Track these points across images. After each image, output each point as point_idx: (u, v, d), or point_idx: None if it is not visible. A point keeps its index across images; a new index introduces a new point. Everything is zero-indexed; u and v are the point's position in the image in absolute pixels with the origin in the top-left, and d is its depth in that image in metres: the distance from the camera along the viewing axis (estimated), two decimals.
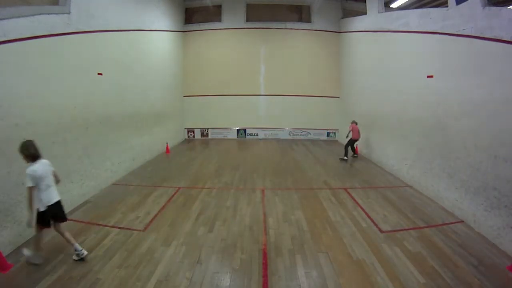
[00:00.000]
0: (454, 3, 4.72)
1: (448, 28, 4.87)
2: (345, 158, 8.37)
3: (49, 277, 2.90)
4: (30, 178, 2.85)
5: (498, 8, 3.98)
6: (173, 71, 10.66)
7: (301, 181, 6.29)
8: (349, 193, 5.48)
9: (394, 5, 8.50)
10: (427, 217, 4.43)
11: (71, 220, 4.23)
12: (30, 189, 2.87)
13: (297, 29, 11.70)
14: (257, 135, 12.25)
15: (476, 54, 4.23)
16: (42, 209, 3.00)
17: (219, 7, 11.59)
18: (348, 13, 11.04)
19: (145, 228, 4.01)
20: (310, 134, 12.07)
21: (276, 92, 11.92)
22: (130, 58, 6.97)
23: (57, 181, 3.22)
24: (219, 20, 11.66)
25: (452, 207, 4.62)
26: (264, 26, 11.65)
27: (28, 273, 2.97)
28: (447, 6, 4.97)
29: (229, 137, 12.25)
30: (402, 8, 8.14)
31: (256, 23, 11.65)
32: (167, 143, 9.49)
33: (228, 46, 11.79)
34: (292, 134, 12.18)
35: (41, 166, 2.96)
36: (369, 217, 4.42)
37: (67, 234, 3.21)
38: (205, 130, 12.28)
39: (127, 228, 4.00)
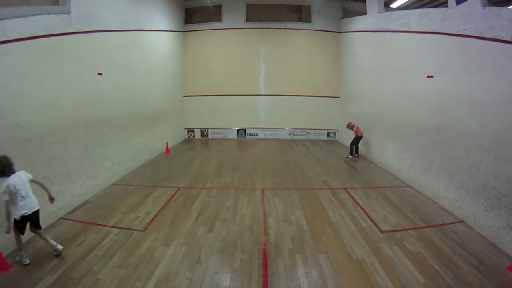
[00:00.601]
0: (454, 3, 4.72)
1: (448, 28, 4.87)
2: (350, 156, 8.52)
3: (49, 277, 2.90)
4: (5, 192, 2.90)
5: (498, 8, 3.98)
6: (173, 71, 10.66)
7: (301, 181, 6.29)
8: (349, 193, 5.48)
9: (394, 5, 8.51)
10: (427, 217, 4.43)
11: (71, 220, 4.24)
12: (6, 202, 2.92)
13: (297, 29, 11.69)
14: (257, 135, 12.25)
15: (476, 54, 4.23)
16: (17, 218, 3.04)
17: (219, 7, 11.58)
18: (348, 13, 11.04)
19: (145, 228, 4.01)
20: (310, 134, 12.07)
21: (276, 92, 11.92)
22: (130, 58, 6.98)
23: (41, 185, 3.28)
24: (219, 20, 11.66)
25: (452, 207, 4.62)
26: (264, 26, 11.64)
27: (28, 273, 2.97)
28: (447, 6, 4.97)
29: (229, 137, 12.25)
30: (402, 8, 8.15)
31: (256, 23, 11.65)
32: (167, 143, 9.49)
33: (228, 46, 11.79)
34: (292, 134, 12.18)
35: (16, 179, 3.00)
36: (369, 217, 4.42)
37: (44, 234, 3.34)
38: (205, 130, 12.28)
39: (127, 228, 4.00)
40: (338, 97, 11.75)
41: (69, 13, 4.58)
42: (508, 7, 4.18)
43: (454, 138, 4.66)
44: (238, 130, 12.25)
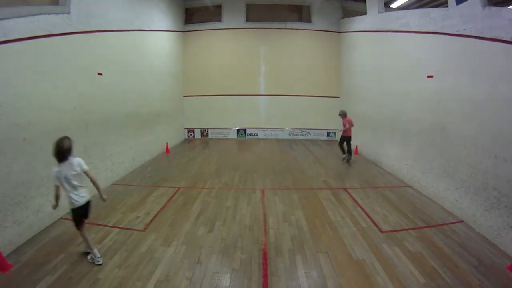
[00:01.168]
0: (454, 3, 4.72)
1: (448, 28, 4.87)
2: (344, 155, 8.11)
3: (49, 277, 2.90)
4: (55, 177, 2.91)
5: (498, 8, 3.98)
6: (173, 71, 10.66)
7: (301, 181, 6.29)
8: (349, 193, 5.48)
9: (394, 5, 8.52)
10: (427, 217, 4.43)
11: (71, 220, 4.22)
12: (56, 187, 2.94)
13: (297, 29, 11.70)
14: (257, 135, 12.25)
15: (476, 54, 4.23)
16: (72, 207, 3.09)
17: (219, 7, 11.58)
18: (348, 13, 11.04)
19: (145, 228, 4.02)
20: (310, 134, 12.07)
21: (276, 92, 11.92)
22: (130, 58, 6.97)
23: (92, 180, 3.19)
24: (219, 20, 11.66)
25: (452, 207, 4.62)
26: (264, 26, 11.65)
27: (28, 273, 2.97)
28: (447, 6, 4.97)
29: (229, 137, 12.25)
30: (402, 8, 8.16)
31: (256, 23, 11.65)
32: (167, 143, 9.49)
33: (228, 46, 11.79)
34: (292, 134, 12.18)
35: (67, 167, 2.94)
36: (369, 217, 4.42)
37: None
38: (205, 130, 12.28)
39: (127, 228, 4.00)
40: (338, 97, 11.75)
41: (69, 13, 4.57)
42: (508, 7, 4.19)
43: (454, 138, 4.66)
44: (238, 130, 12.25)
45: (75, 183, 3.02)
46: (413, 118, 5.98)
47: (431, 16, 5.44)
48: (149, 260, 3.23)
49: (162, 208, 4.72)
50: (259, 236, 3.82)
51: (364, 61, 9.24)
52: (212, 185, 5.98)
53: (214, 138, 12.22)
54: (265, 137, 12.21)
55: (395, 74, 6.96)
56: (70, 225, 4.04)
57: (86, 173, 3.13)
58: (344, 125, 7.76)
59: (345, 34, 11.00)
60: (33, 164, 3.78)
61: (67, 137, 2.99)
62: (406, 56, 6.43)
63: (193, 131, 12.30)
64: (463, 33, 4.49)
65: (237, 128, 12.24)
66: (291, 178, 6.52)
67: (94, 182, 3.20)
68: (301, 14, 11.91)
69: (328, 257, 3.31)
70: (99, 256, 3.17)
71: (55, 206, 3.05)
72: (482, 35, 4.09)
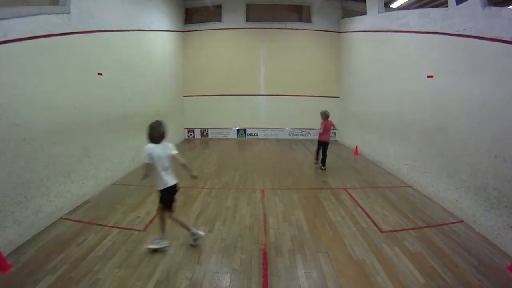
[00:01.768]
0: (454, 3, 4.72)
1: (448, 28, 4.87)
2: (315, 161, 7.24)
3: (49, 277, 2.90)
4: (147, 157, 3.13)
5: (498, 8, 3.98)
6: (173, 71, 10.66)
7: (301, 181, 6.29)
8: (349, 193, 5.49)
9: (394, 5, 8.52)
10: (427, 217, 4.43)
11: (71, 220, 4.24)
12: (146, 164, 3.15)
13: (297, 29, 11.70)
14: (257, 135, 12.25)
15: (476, 54, 4.23)
16: (161, 188, 3.29)
17: (219, 7, 11.59)
18: (348, 13, 11.04)
19: (145, 228, 4.01)
20: (310, 134, 12.06)
21: (276, 92, 11.92)
22: (130, 58, 6.97)
23: (182, 165, 3.38)
24: (219, 20, 11.66)
25: (452, 207, 4.62)
26: (264, 26, 11.65)
27: (28, 273, 2.97)
28: (447, 6, 4.97)
29: (229, 137, 12.25)
30: (402, 8, 8.16)
31: (256, 23, 11.65)
32: None
33: (228, 46, 11.79)
34: (292, 134, 12.18)
35: (155, 148, 3.16)
36: (369, 217, 4.42)
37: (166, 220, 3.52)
38: (205, 130, 12.28)
39: (127, 228, 4.00)
40: (338, 97, 11.75)
41: (69, 13, 4.57)
42: (508, 7, 4.19)
43: (454, 138, 4.66)
44: (238, 130, 12.25)
45: (166, 164, 3.26)
46: (413, 118, 5.98)
47: (431, 16, 5.44)
48: (149, 260, 3.23)
49: None
50: (259, 236, 3.82)
51: (364, 61, 9.25)
52: (212, 185, 5.98)
53: (214, 138, 12.23)
54: (265, 137, 12.22)
55: (395, 74, 6.97)
56: (70, 225, 4.07)
57: (175, 157, 3.33)
58: (321, 128, 7.04)
59: (345, 34, 11.01)
60: (33, 164, 3.78)
61: (162, 121, 3.28)
62: (406, 56, 6.43)
63: (193, 131, 12.30)
64: (463, 33, 4.49)
65: (237, 128, 12.25)
66: (291, 178, 6.52)
67: (184, 165, 3.40)
68: (301, 14, 11.91)
69: (328, 257, 3.31)
70: (200, 232, 3.51)
71: (145, 178, 3.25)
72: (482, 35, 4.09)
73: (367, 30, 8.89)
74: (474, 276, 2.95)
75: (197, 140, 12.11)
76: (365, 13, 8.87)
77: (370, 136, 8.44)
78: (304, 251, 3.45)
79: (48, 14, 4.16)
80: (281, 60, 11.79)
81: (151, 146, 3.16)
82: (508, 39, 3.64)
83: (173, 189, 3.36)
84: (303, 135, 12.14)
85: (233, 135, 12.26)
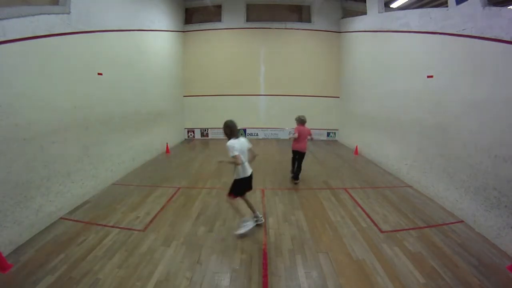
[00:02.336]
0: (454, 3, 4.72)
1: (448, 28, 4.87)
2: (291, 174, 6.24)
3: (49, 277, 2.90)
4: (235, 148, 3.48)
5: (498, 8, 3.98)
6: (173, 71, 10.66)
7: (301, 181, 6.28)
8: (349, 193, 5.48)
9: (394, 5, 8.52)
10: (427, 217, 4.43)
11: (71, 220, 4.24)
12: (236, 156, 3.44)
13: (297, 29, 11.69)
14: (257, 135, 12.25)
15: (476, 54, 4.23)
16: (238, 177, 3.71)
17: (219, 7, 11.58)
18: (348, 13, 11.04)
19: (145, 228, 4.01)
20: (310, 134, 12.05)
21: (276, 92, 11.92)
22: (130, 58, 6.97)
23: (254, 156, 3.89)
24: (219, 20, 11.65)
25: (452, 207, 4.62)
26: (264, 26, 11.64)
27: (28, 273, 2.97)
28: (447, 6, 4.97)
29: None
30: (402, 8, 8.16)
31: (256, 23, 11.65)
32: (167, 143, 9.49)
33: (228, 46, 11.78)
34: (292, 134, 12.15)
35: (238, 143, 3.59)
36: (369, 217, 4.42)
37: (250, 202, 4.08)
38: (205, 130, 12.28)
39: (127, 228, 4.00)
40: (338, 97, 11.76)
41: (69, 13, 4.57)
42: (508, 7, 4.18)
43: (454, 138, 4.66)
44: (238, 130, 12.22)
45: (246, 156, 3.74)
46: (413, 118, 5.98)
47: (431, 16, 5.44)
48: (149, 260, 3.23)
49: (162, 208, 4.72)
50: (259, 236, 3.82)
51: (364, 61, 9.24)
52: (212, 185, 5.98)
53: (214, 138, 12.22)
54: (265, 137, 12.21)
55: (395, 74, 6.96)
56: (70, 225, 4.07)
57: (251, 149, 3.84)
58: (295, 132, 6.11)
59: (345, 34, 11.01)
60: (33, 164, 3.78)
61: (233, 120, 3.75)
62: (406, 56, 6.43)
63: (193, 131, 12.30)
64: (463, 33, 4.49)
65: (237, 128, 12.21)
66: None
67: (255, 156, 3.93)
68: (301, 14, 11.90)
69: (328, 257, 3.31)
70: (260, 215, 4.08)
71: (221, 162, 3.62)
72: (482, 35, 4.09)
73: (367, 30, 8.89)
74: (474, 276, 2.95)
75: (197, 140, 12.11)
76: (365, 13, 8.86)
77: (370, 136, 8.44)
78: (304, 251, 3.45)
79: (48, 14, 4.16)
80: (281, 60, 11.79)
81: (234, 141, 3.56)
82: (508, 39, 3.64)
83: (251, 178, 3.83)
84: None
85: None
